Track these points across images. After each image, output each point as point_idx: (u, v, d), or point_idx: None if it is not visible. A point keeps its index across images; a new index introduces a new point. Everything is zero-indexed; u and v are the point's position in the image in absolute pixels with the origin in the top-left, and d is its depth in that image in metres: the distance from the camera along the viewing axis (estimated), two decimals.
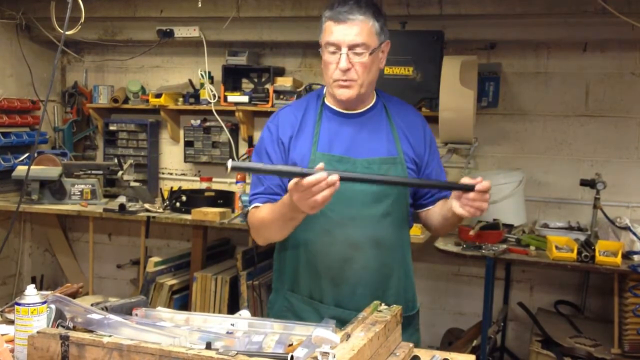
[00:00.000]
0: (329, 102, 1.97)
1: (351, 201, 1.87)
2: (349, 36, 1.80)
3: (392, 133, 1.94)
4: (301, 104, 2.00)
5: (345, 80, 1.84)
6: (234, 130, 4.46)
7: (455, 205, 1.77)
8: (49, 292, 1.80)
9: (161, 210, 4.05)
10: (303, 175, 1.60)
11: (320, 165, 1.61)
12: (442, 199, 1.98)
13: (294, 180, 1.61)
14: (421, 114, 2.09)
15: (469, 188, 1.72)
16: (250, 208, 1.96)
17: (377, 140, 1.93)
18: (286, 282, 2.00)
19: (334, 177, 1.59)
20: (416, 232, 3.45)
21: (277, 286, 2.06)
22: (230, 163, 1.57)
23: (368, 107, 1.97)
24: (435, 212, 2.00)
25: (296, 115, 1.96)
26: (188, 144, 4.56)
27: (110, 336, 1.38)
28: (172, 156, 4.74)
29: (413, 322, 2.05)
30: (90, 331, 1.60)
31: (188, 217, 3.87)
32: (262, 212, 1.90)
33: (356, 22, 1.80)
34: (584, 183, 3.55)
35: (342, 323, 1.61)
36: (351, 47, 1.80)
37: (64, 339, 1.35)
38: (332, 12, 1.82)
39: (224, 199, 4.10)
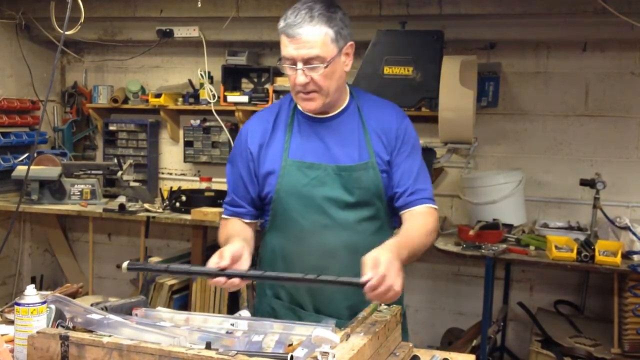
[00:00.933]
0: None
1: (323, 209, 1.84)
2: (301, 51, 1.74)
3: (364, 136, 1.89)
4: (273, 109, 1.97)
5: (307, 93, 1.80)
6: (234, 130, 4.45)
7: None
8: (48, 292, 1.80)
9: (161, 210, 4.05)
10: (206, 274, 1.66)
11: (224, 263, 1.64)
12: (409, 208, 1.87)
13: (219, 253, 1.68)
14: (398, 110, 1.97)
15: (358, 285, 1.52)
16: (221, 217, 2.02)
17: (349, 145, 1.87)
18: (267, 289, 1.99)
19: (235, 281, 1.62)
20: None
21: (260, 292, 2.05)
22: (125, 264, 1.62)
23: (339, 110, 1.91)
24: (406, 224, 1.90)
25: (267, 121, 1.93)
26: (188, 144, 4.56)
27: (110, 336, 1.38)
28: (171, 156, 4.74)
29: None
30: (90, 331, 1.60)
31: (188, 217, 3.87)
32: (222, 231, 1.95)
33: (307, 37, 1.73)
34: (583, 183, 3.55)
35: None
36: (306, 62, 1.75)
37: (64, 339, 1.35)
38: (285, 25, 1.76)
39: (224, 199, 4.09)
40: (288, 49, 1.76)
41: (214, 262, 1.67)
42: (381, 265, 1.53)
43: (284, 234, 1.90)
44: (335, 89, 1.83)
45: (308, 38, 1.73)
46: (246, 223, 1.97)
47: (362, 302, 1.70)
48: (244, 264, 1.72)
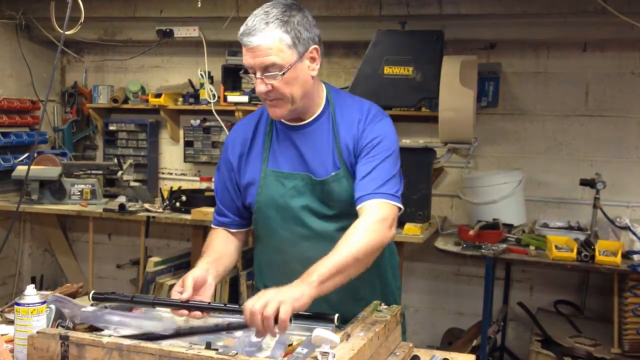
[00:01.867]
0: None
1: (301, 219, 1.82)
2: (257, 59, 1.69)
3: (335, 145, 1.81)
4: (255, 116, 1.93)
5: (272, 100, 1.74)
6: None
7: None
8: (48, 292, 1.80)
9: (161, 210, 4.05)
10: (170, 306, 1.64)
11: (185, 295, 1.61)
12: (360, 206, 1.73)
13: (181, 280, 1.66)
14: (372, 110, 1.84)
15: (238, 311, 1.52)
16: (212, 225, 1.99)
17: (322, 154, 1.81)
18: (262, 289, 1.98)
19: (197, 314, 1.59)
20: (416, 232, 3.45)
21: (255, 292, 2.04)
22: (91, 294, 1.62)
23: (314, 116, 1.84)
24: None
25: (248, 130, 1.90)
26: (188, 143, 4.56)
27: (110, 336, 1.38)
28: (171, 156, 4.74)
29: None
30: (90, 330, 1.60)
31: (188, 217, 3.87)
32: (207, 240, 1.92)
33: (262, 44, 1.67)
34: (583, 183, 3.55)
35: None
36: (264, 70, 1.69)
37: (64, 339, 1.35)
38: (241, 32, 1.71)
39: None
40: (246, 57, 1.72)
41: (176, 291, 1.64)
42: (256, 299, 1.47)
43: (266, 244, 1.90)
44: (301, 95, 1.75)
45: (263, 46, 1.67)
46: (232, 233, 1.94)
47: (356, 306, 1.71)
48: (208, 290, 1.69)
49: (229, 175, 1.91)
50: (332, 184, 1.79)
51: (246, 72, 1.76)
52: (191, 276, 1.67)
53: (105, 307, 1.71)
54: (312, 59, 1.75)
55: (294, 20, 1.69)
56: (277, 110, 1.76)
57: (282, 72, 1.68)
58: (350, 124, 1.81)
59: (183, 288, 1.64)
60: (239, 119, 4.27)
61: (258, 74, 1.70)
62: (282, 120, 1.84)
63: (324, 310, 1.70)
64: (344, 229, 1.70)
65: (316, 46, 1.75)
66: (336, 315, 1.50)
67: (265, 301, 1.44)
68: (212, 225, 1.98)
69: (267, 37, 1.67)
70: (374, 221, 1.68)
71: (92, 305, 1.71)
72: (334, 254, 1.61)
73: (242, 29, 1.71)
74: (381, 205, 1.71)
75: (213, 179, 2.02)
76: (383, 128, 1.81)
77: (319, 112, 1.84)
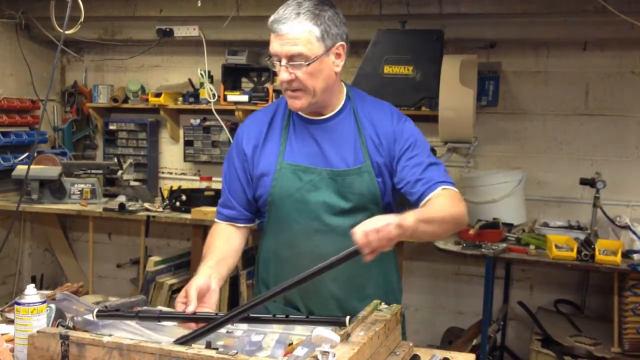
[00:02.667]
0: None
1: (317, 213, 1.82)
2: (284, 47, 1.71)
3: (359, 139, 1.84)
4: (270, 109, 1.94)
5: (294, 91, 1.77)
6: (234, 130, 4.44)
7: None
8: (49, 292, 1.80)
9: (161, 209, 4.05)
10: (177, 319, 1.64)
11: (190, 309, 1.61)
12: (425, 198, 1.78)
13: (187, 288, 1.66)
14: (395, 112, 1.91)
15: (355, 252, 1.54)
16: (215, 219, 1.98)
17: (343, 149, 1.83)
18: (262, 290, 1.97)
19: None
20: None
21: (256, 292, 2.05)
22: (95, 312, 1.62)
23: (335, 111, 1.87)
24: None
25: (263, 122, 1.90)
26: (188, 143, 4.56)
27: (110, 335, 1.38)
28: (171, 155, 4.74)
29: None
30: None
31: (188, 216, 3.87)
32: (209, 238, 1.91)
33: (291, 33, 1.70)
34: (583, 182, 3.55)
35: None
36: (289, 59, 1.72)
37: (64, 338, 1.35)
38: (272, 20, 1.74)
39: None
40: (273, 44, 1.74)
41: (180, 302, 1.65)
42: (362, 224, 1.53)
43: (277, 238, 1.89)
44: (323, 89, 1.78)
45: (291, 35, 1.70)
46: (238, 228, 1.93)
47: (361, 305, 1.70)
48: (213, 297, 1.70)
49: (241, 166, 1.90)
50: (353, 176, 1.81)
51: (272, 60, 1.78)
52: (194, 286, 1.66)
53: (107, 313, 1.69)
54: (338, 55, 1.79)
55: (325, 15, 1.73)
56: (297, 102, 1.78)
57: (307, 63, 1.71)
58: (375, 123, 1.86)
59: (187, 299, 1.63)
60: (239, 118, 4.30)
61: (283, 62, 1.73)
62: (301, 114, 1.86)
63: (331, 307, 1.78)
64: (357, 225, 1.72)
65: (343, 43, 1.79)
66: (347, 318, 1.49)
67: (373, 223, 1.51)
68: (217, 220, 1.96)
69: (297, 27, 1.70)
70: (456, 198, 1.78)
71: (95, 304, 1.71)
72: (425, 209, 1.71)
73: (273, 16, 1.74)
74: (450, 191, 1.79)
75: (223, 169, 1.97)
76: (411, 127, 1.88)
77: (339, 107, 1.87)
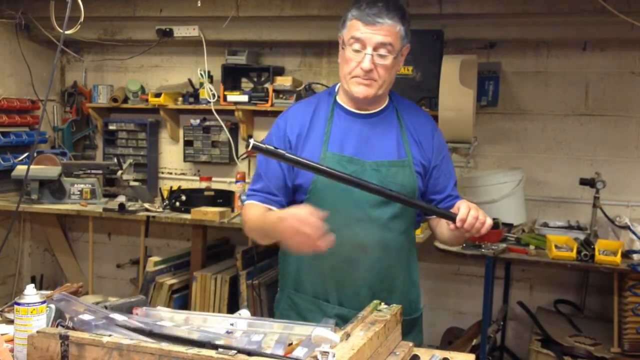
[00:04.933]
0: (341, 100, 1.96)
1: (359, 203, 1.86)
2: (375, 37, 1.79)
3: (402, 136, 1.93)
4: (311, 102, 1.99)
5: (367, 79, 1.84)
6: (234, 130, 4.45)
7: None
8: (48, 292, 1.80)
9: (161, 209, 4.05)
10: (318, 170, 1.69)
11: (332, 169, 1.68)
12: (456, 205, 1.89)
13: (307, 211, 1.63)
14: (431, 117, 2.06)
15: (451, 217, 1.75)
16: (246, 202, 1.96)
17: (387, 142, 1.91)
18: (289, 281, 2.00)
19: (330, 238, 1.62)
20: (416, 232, 3.44)
21: (282, 285, 2.06)
22: (252, 141, 1.63)
23: (380, 108, 1.95)
24: (444, 222, 1.93)
25: (306, 113, 1.94)
26: (187, 143, 4.56)
27: (110, 335, 1.38)
28: (171, 156, 4.74)
29: (417, 324, 2.05)
30: None
31: (188, 216, 3.87)
32: (252, 212, 1.90)
33: (385, 25, 1.79)
34: (583, 182, 3.56)
35: (345, 321, 1.62)
36: (376, 48, 1.80)
37: (64, 338, 1.35)
38: (360, 12, 1.80)
39: (224, 198, 4.09)
40: (361, 31, 1.80)
41: (306, 213, 1.64)
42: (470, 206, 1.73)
43: None
44: (388, 84, 1.88)
45: (385, 26, 1.79)
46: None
47: (389, 298, 1.80)
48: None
49: None
50: (396, 168, 1.88)
51: (352, 47, 1.83)
52: (297, 212, 1.65)
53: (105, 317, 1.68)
54: (402, 55, 1.91)
55: (407, 17, 1.87)
56: (367, 89, 1.85)
57: (394, 56, 1.82)
58: (416, 126, 1.96)
59: (310, 222, 1.62)
60: (239, 118, 4.30)
61: (369, 50, 1.79)
62: (346, 107, 1.93)
63: (364, 296, 1.85)
64: (396, 218, 1.87)
65: (408, 45, 1.91)
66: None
67: (478, 209, 1.73)
68: (253, 201, 1.93)
69: (390, 20, 1.80)
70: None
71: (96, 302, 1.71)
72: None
73: (363, 6, 1.81)
74: None
75: (258, 157, 1.98)
76: (443, 137, 2.04)
77: (384, 105, 1.96)
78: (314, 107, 1.95)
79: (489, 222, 1.73)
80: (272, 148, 1.67)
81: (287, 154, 1.69)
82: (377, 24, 1.78)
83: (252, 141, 1.63)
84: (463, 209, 1.72)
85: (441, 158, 1.98)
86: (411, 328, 1.97)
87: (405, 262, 1.99)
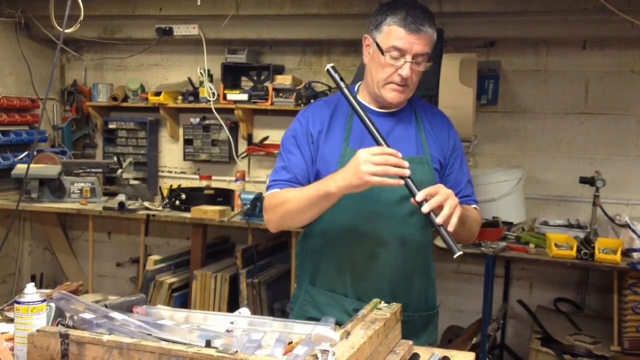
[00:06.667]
0: (362, 99, 1.97)
1: (379, 198, 1.88)
2: (417, 46, 1.81)
3: (419, 134, 1.96)
4: (332, 100, 2.01)
5: (402, 85, 1.86)
6: (234, 128, 4.45)
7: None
8: (49, 290, 1.80)
9: (161, 208, 4.05)
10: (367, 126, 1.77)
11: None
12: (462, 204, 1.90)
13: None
14: (447, 117, 2.09)
15: (416, 188, 1.72)
16: (270, 191, 1.95)
17: (406, 140, 1.94)
18: (307, 276, 2.02)
19: (406, 165, 1.69)
20: None
21: (299, 280, 2.08)
22: (329, 65, 1.76)
23: (400, 108, 1.98)
24: None
25: (327, 110, 1.97)
26: (187, 142, 4.56)
27: (110, 334, 1.38)
28: (171, 154, 4.74)
29: (433, 321, 2.09)
30: None
31: (187, 215, 3.87)
32: (287, 192, 1.89)
33: (426, 34, 1.82)
34: (583, 180, 3.55)
35: None
36: (415, 57, 1.82)
37: (64, 337, 1.35)
38: (400, 19, 1.81)
39: (224, 197, 4.10)
40: (404, 41, 1.81)
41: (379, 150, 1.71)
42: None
43: (336, 220, 1.91)
44: (415, 88, 1.93)
45: (427, 35, 1.82)
46: None
47: (407, 293, 1.86)
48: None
49: (308, 147, 1.94)
50: (416, 164, 1.89)
51: (391, 54, 1.84)
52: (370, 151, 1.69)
53: (105, 316, 1.68)
54: None
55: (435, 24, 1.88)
56: (400, 95, 1.89)
57: (430, 63, 1.86)
58: (433, 125, 1.99)
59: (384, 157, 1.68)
60: (239, 117, 4.30)
61: (408, 58, 1.82)
62: (368, 105, 1.95)
63: (383, 291, 1.88)
64: (414, 214, 1.88)
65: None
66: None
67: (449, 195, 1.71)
68: (277, 189, 1.93)
69: (429, 30, 1.84)
70: (478, 221, 2.04)
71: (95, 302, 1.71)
72: (466, 211, 1.88)
73: (403, 14, 1.81)
74: (478, 213, 2.06)
75: (280, 152, 2.00)
76: (458, 135, 2.06)
77: (404, 105, 1.99)
78: (334, 106, 1.98)
79: (454, 201, 1.71)
80: (340, 78, 1.81)
81: (348, 90, 1.81)
82: (420, 32, 1.81)
83: (329, 65, 1.78)
84: (434, 187, 1.71)
85: (456, 156, 2.01)
86: (427, 325, 2.03)
87: (423, 258, 2.02)
